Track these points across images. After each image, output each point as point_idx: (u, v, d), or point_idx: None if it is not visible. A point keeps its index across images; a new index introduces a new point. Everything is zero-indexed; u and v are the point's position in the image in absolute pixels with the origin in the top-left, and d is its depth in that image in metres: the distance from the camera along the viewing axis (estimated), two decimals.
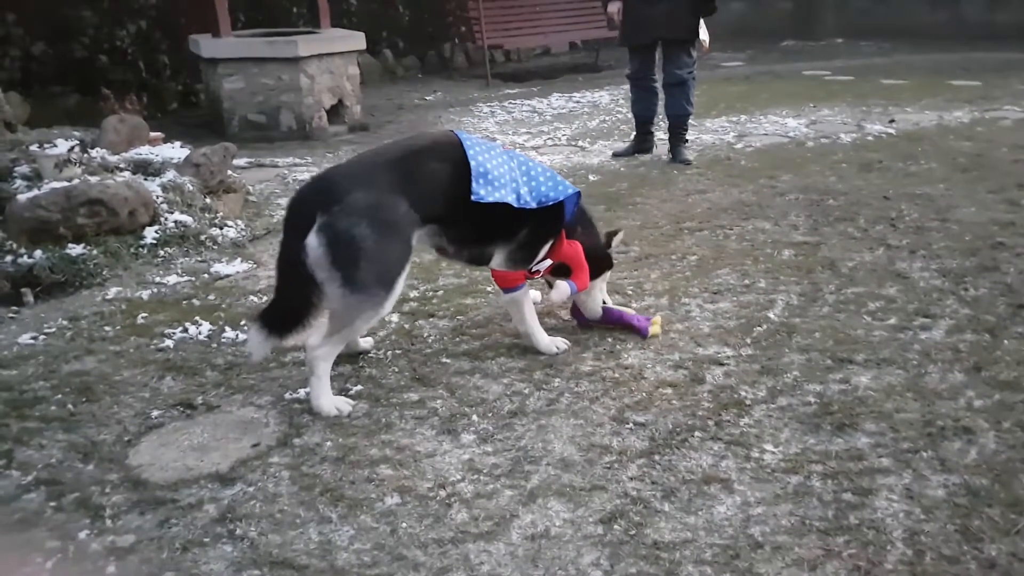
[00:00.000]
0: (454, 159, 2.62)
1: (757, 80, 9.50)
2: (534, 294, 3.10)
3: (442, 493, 2.15)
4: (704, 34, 5.53)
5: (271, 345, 2.57)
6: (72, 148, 4.19)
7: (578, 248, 2.82)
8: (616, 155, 6.05)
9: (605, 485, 2.17)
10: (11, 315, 3.38)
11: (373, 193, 2.48)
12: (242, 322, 3.26)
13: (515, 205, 2.64)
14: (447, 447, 2.37)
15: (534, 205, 2.70)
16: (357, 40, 7.87)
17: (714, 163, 5.72)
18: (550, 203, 2.72)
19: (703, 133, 6.73)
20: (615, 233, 3.11)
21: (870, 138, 6.22)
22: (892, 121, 6.68)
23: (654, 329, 3.00)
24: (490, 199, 2.59)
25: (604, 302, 3.07)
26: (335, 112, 7.70)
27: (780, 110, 7.45)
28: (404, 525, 2.04)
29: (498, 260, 2.82)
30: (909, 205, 4.46)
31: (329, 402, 2.56)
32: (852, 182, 5.00)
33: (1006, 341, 2.87)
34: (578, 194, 2.87)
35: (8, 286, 3.55)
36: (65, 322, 3.29)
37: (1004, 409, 2.45)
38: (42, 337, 3.17)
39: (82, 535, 2.02)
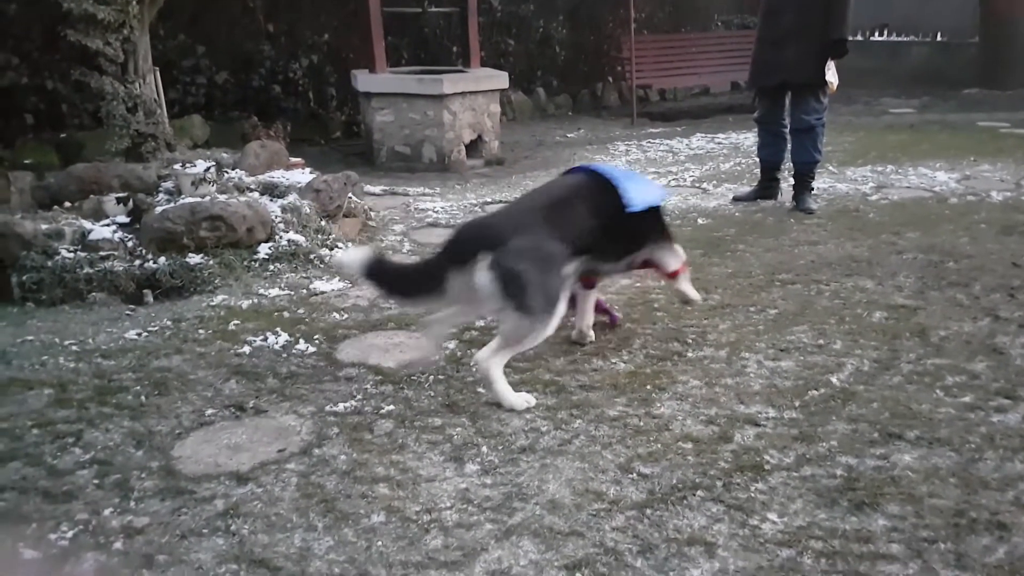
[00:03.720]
0: (592, 195, 3.12)
1: (922, 129, 8.89)
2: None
3: (426, 518, 2.22)
4: (832, 76, 5.29)
5: (357, 271, 2.92)
6: (208, 169, 4.68)
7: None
8: (736, 199, 5.89)
9: (584, 532, 2.15)
10: (128, 312, 3.82)
11: (529, 237, 2.89)
12: (315, 336, 3.50)
13: (660, 203, 3.30)
14: (449, 474, 2.44)
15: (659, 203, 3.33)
16: (500, 79, 8.20)
17: (839, 214, 5.43)
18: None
19: (840, 182, 6.40)
20: None
21: None
22: None
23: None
24: (641, 207, 3.12)
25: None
26: (474, 146, 8.04)
27: (934, 162, 6.94)
28: (379, 543, 2.12)
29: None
30: None
31: (515, 398, 2.86)
32: (984, 245, 4.58)
33: None
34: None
35: (133, 287, 4.01)
36: (169, 322, 3.68)
37: None
38: (145, 334, 3.55)
39: (107, 512, 2.27)
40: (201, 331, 3.58)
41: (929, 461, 2.44)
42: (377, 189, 6.65)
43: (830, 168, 6.80)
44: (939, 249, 4.52)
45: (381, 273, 2.95)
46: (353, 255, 2.98)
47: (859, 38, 14.47)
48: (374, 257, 2.94)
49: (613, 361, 3.19)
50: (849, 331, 3.43)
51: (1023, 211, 5.32)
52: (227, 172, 5.07)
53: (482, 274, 2.81)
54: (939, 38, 14.95)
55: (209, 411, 2.86)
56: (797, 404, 2.82)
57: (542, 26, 11.31)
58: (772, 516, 2.20)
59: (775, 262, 4.41)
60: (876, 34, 15.52)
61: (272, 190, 4.97)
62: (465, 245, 2.91)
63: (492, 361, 2.86)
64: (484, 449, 2.57)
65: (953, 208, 5.49)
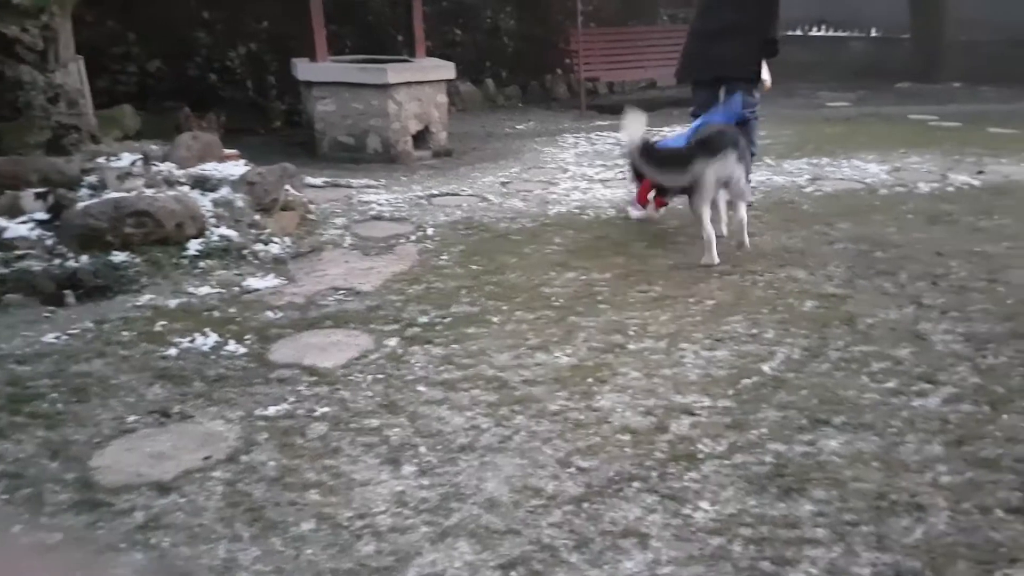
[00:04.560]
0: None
1: (858, 122, 9.11)
2: None
3: (358, 523, 2.17)
4: (765, 73, 5.37)
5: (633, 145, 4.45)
6: (135, 162, 4.52)
7: None
8: None
9: (521, 530, 2.13)
10: (46, 315, 3.63)
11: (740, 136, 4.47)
12: (247, 336, 3.39)
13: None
14: (384, 477, 2.39)
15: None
16: (447, 69, 8.07)
17: (775, 206, 5.51)
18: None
19: (778, 174, 6.50)
20: None
21: (950, 189, 5.85)
22: (980, 172, 6.25)
23: None
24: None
25: None
26: (421, 138, 7.88)
27: (867, 155, 7.10)
28: (309, 552, 2.06)
29: None
30: (961, 262, 4.17)
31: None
32: (911, 234, 4.71)
33: (1005, 416, 2.65)
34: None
35: (53, 287, 3.81)
36: (90, 325, 3.51)
37: (971, 488, 2.26)
38: (64, 337, 3.38)
39: (16, 529, 2.15)
40: (125, 333, 3.44)
41: (854, 446, 2.50)
42: (318, 181, 6.45)
43: (768, 161, 6.90)
44: (869, 239, 4.63)
45: (650, 153, 4.45)
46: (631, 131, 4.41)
47: (798, 33, 14.75)
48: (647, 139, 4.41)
49: (556, 355, 3.18)
50: (781, 320, 3.49)
51: (948, 201, 5.50)
52: (156, 165, 4.89)
53: (733, 157, 4.20)
54: (874, 33, 15.32)
55: (131, 418, 2.75)
56: (730, 393, 2.85)
57: (490, 16, 11.21)
58: (704, 505, 2.22)
59: None
60: (815, 29, 15.83)
61: (203, 183, 4.81)
62: (717, 144, 4.24)
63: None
64: (422, 449, 2.52)
65: (883, 199, 5.63)
